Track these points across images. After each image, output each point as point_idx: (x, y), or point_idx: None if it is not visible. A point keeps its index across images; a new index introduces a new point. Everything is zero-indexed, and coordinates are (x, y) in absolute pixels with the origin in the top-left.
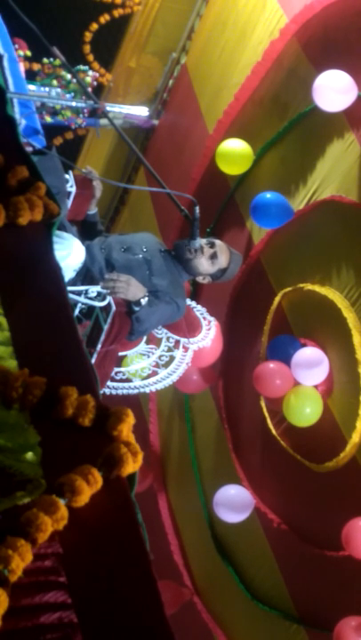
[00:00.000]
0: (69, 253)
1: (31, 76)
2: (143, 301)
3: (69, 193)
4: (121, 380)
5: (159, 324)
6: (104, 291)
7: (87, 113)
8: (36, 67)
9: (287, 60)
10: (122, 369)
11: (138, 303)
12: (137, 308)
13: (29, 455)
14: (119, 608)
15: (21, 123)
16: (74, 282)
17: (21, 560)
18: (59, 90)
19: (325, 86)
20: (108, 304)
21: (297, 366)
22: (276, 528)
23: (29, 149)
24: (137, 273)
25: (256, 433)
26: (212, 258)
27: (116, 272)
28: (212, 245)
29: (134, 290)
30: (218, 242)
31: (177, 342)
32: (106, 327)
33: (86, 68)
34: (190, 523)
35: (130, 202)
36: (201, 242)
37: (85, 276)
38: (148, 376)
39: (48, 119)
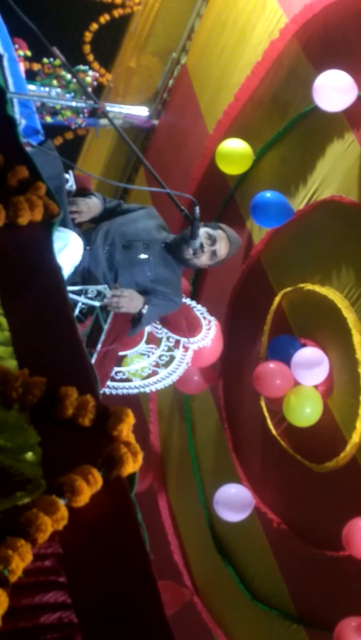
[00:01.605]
0: (66, 245)
1: (31, 75)
2: (144, 310)
3: (69, 192)
4: (121, 380)
5: (157, 318)
6: (104, 290)
7: (87, 113)
8: (36, 67)
9: (287, 60)
10: (122, 369)
11: (140, 313)
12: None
13: (29, 455)
14: (119, 608)
15: (21, 123)
16: (74, 282)
17: (21, 560)
18: (59, 90)
19: (325, 86)
20: None
21: (297, 366)
22: (276, 528)
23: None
24: (138, 273)
25: (256, 433)
26: (212, 254)
27: (120, 275)
28: (213, 243)
29: (136, 303)
30: (218, 235)
31: (177, 342)
32: (106, 327)
33: (86, 68)
34: (190, 523)
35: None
36: (201, 237)
37: (88, 278)
38: (148, 376)
39: (48, 119)
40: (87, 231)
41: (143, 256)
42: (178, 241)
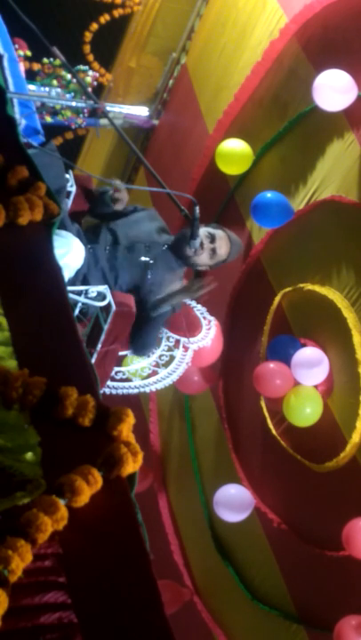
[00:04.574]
0: (68, 251)
1: (31, 75)
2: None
3: (69, 192)
4: (121, 380)
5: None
6: (104, 291)
7: (87, 113)
8: (36, 67)
9: (287, 60)
10: (122, 369)
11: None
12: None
13: (29, 455)
14: (119, 608)
15: (21, 123)
16: (73, 282)
17: (21, 560)
18: (59, 90)
19: (325, 86)
20: (108, 304)
21: (297, 366)
22: (276, 528)
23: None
24: (139, 276)
25: (256, 433)
26: (212, 252)
27: (120, 276)
28: (212, 240)
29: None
30: (218, 234)
31: (177, 342)
32: (106, 327)
33: (86, 68)
34: (190, 523)
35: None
36: (201, 236)
37: (86, 278)
38: (148, 376)
39: (48, 119)
40: (88, 229)
41: (144, 258)
42: (178, 239)
